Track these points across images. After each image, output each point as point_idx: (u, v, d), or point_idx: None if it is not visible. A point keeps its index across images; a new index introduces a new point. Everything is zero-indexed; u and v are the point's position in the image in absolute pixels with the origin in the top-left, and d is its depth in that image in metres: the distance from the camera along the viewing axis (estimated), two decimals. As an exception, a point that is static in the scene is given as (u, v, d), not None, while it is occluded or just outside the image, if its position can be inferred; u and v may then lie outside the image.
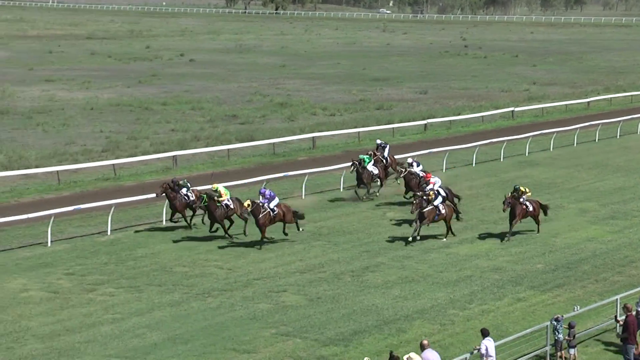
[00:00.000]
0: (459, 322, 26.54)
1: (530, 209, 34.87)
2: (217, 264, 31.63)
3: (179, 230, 35.63)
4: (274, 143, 52.84)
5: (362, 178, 40.69)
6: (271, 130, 57.40)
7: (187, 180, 36.91)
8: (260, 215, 32.99)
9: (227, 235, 34.30)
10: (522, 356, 23.71)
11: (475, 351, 21.86)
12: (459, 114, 65.81)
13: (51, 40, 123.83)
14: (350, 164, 41.16)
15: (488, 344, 21.70)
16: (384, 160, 42.96)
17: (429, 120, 61.97)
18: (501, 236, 35.00)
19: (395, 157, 44.30)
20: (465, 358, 21.87)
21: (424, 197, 34.00)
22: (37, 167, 45.57)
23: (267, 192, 33.77)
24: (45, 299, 27.99)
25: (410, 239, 33.74)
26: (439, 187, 36.42)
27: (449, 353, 23.52)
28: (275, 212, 33.37)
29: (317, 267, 31.42)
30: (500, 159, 51.01)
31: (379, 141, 45.02)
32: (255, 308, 27.43)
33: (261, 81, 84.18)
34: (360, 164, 40.67)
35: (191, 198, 35.50)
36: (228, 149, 51.03)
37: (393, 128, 59.64)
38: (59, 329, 25.65)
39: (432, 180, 36.82)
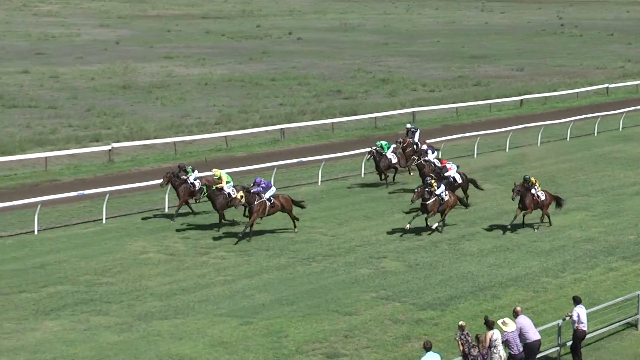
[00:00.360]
0: (552, 290, 26.18)
1: (542, 198, 32.17)
2: (321, 231, 31.77)
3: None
4: (375, 117, 52.72)
5: (379, 166, 37.73)
6: (373, 105, 57.23)
7: (193, 167, 34.39)
8: (255, 203, 30.62)
9: (224, 220, 32.10)
10: (612, 323, 23.35)
11: (568, 318, 21.58)
12: (554, 90, 64.64)
13: (169, 20, 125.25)
14: (367, 150, 38.42)
15: (580, 311, 21.39)
16: (415, 146, 39.01)
17: (525, 96, 61.06)
18: (594, 209, 34.33)
19: (427, 142, 40.09)
20: (558, 324, 21.63)
21: (426, 187, 31.47)
22: (155, 138, 46.38)
23: (263, 181, 31.40)
24: (162, 261, 28.55)
25: (407, 226, 31.43)
26: (456, 172, 34.63)
27: (541, 319, 23.23)
28: (272, 202, 31.23)
29: (416, 235, 31.32)
30: (594, 133, 49.94)
31: (409, 125, 41.50)
32: (357, 273, 27.50)
33: (364, 58, 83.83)
34: (377, 151, 37.67)
35: (197, 186, 33.17)
36: (332, 123, 51.13)
37: (490, 103, 58.99)
38: (175, 288, 26.15)
39: (448, 166, 34.75)
